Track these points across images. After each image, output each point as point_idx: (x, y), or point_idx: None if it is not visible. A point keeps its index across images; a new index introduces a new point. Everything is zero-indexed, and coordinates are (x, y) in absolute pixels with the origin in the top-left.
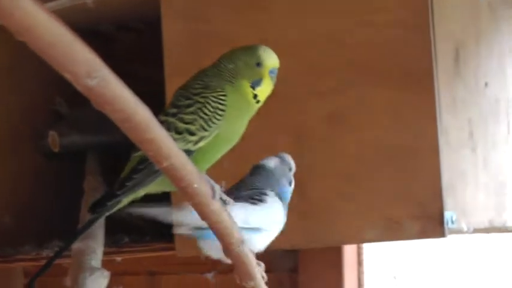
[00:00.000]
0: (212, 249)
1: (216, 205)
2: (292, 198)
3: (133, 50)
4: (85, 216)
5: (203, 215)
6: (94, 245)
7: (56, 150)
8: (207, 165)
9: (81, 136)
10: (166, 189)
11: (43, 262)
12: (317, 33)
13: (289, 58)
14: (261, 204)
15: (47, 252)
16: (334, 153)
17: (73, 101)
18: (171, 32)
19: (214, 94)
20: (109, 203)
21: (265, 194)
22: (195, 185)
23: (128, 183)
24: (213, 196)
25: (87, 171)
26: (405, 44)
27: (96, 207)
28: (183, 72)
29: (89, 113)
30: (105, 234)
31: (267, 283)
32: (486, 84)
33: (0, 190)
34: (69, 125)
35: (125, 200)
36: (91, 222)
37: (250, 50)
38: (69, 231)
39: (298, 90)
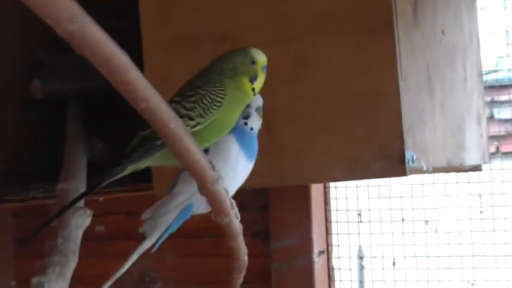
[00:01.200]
0: (200, 208)
1: (191, 145)
2: (262, 139)
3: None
4: (68, 160)
5: (179, 155)
6: (77, 185)
7: (40, 97)
8: (203, 145)
9: (63, 83)
10: (166, 163)
11: (29, 203)
12: None
13: (256, 8)
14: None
15: (33, 194)
16: (298, 98)
17: (55, 50)
18: None
19: (214, 88)
20: (115, 170)
21: None
22: (172, 126)
23: (133, 154)
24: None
25: (69, 117)
26: None
27: (105, 172)
28: (158, 24)
29: (70, 61)
30: (87, 176)
31: (240, 221)
32: (443, 32)
33: None
34: (51, 73)
35: (129, 168)
36: (98, 184)
37: (244, 51)
38: (53, 173)
39: (264, 37)
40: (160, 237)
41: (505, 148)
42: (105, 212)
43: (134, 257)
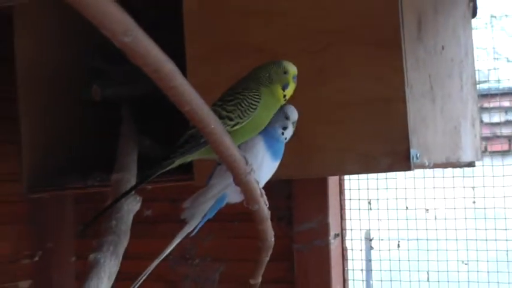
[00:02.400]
0: (233, 198)
1: (228, 143)
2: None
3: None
4: (121, 154)
5: (218, 150)
6: (129, 177)
7: (98, 99)
8: (239, 141)
9: (118, 88)
10: (208, 157)
11: (87, 190)
12: (307, 2)
13: (287, 24)
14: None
15: (91, 182)
16: (320, 101)
17: (111, 59)
18: (191, 2)
19: (251, 94)
20: (164, 163)
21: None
22: (212, 126)
23: (180, 150)
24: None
25: (123, 117)
26: (379, 13)
27: (156, 165)
28: (199, 35)
29: (124, 68)
30: (138, 169)
31: (267, 207)
32: (443, 47)
33: (55, 134)
34: (107, 78)
35: (177, 162)
36: (151, 175)
37: (278, 63)
38: (108, 165)
39: (293, 49)
40: (199, 222)
41: (493, 148)
42: (152, 198)
43: (177, 240)
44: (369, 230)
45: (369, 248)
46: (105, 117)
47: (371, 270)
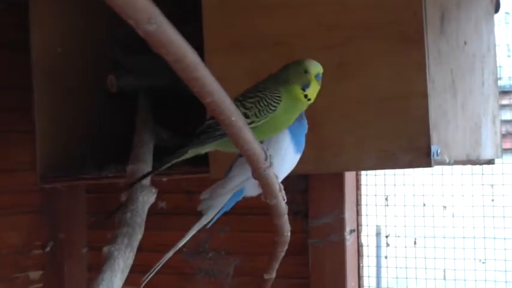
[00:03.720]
0: (251, 191)
1: (248, 136)
2: (307, 132)
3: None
4: (137, 145)
5: (237, 143)
6: (144, 167)
7: (114, 90)
8: (260, 138)
9: (134, 79)
10: (225, 149)
11: (101, 181)
12: None
13: (305, 18)
14: None
15: (106, 173)
16: (340, 97)
17: (129, 51)
18: None
19: (271, 94)
20: (179, 152)
21: None
22: (233, 118)
23: (195, 140)
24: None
25: (139, 108)
26: (402, 7)
27: (170, 154)
28: (218, 28)
29: (141, 60)
30: (153, 160)
31: (286, 202)
32: (465, 42)
33: (70, 124)
34: (125, 70)
35: (191, 152)
36: (164, 163)
37: (299, 62)
38: (124, 156)
39: (312, 44)
40: (215, 215)
41: (505, 145)
42: (167, 190)
43: (192, 232)
44: (379, 226)
45: (380, 245)
46: (121, 108)
47: (381, 267)
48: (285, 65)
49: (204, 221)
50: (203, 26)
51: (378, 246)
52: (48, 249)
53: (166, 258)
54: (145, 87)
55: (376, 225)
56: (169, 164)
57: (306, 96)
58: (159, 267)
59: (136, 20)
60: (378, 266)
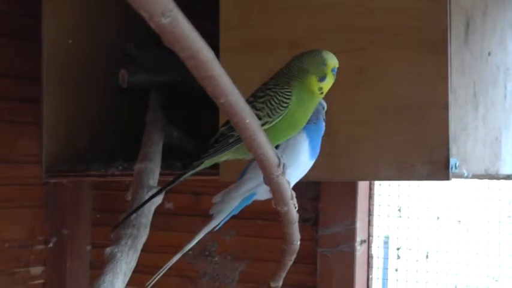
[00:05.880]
0: (261, 195)
1: (262, 140)
2: (322, 140)
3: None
4: (146, 143)
5: (251, 147)
6: (152, 167)
7: (125, 86)
8: (276, 141)
9: (146, 75)
10: (240, 157)
11: (108, 178)
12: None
13: (324, 20)
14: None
15: (112, 170)
16: (357, 103)
17: (141, 46)
18: None
19: (282, 90)
20: (195, 163)
21: None
22: (247, 120)
23: (210, 150)
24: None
25: (150, 105)
26: (426, 14)
27: (186, 166)
28: (235, 27)
29: (153, 56)
30: (162, 159)
31: (297, 210)
32: (489, 53)
33: (79, 119)
34: (136, 66)
35: (207, 162)
36: (180, 176)
37: (317, 53)
38: (132, 154)
39: (331, 47)
40: (224, 218)
41: None
42: (174, 191)
43: (201, 235)
44: (387, 236)
45: (386, 257)
46: (131, 104)
47: (387, 279)
48: (299, 55)
49: (213, 224)
50: (220, 24)
51: (385, 258)
52: (51, 244)
53: (173, 261)
54: (157, 84)
55: (384, 236)
56: (186, 176)
57: (320, 89)
58: (165, 270)
59: (150, 11)
60: (384, 279)
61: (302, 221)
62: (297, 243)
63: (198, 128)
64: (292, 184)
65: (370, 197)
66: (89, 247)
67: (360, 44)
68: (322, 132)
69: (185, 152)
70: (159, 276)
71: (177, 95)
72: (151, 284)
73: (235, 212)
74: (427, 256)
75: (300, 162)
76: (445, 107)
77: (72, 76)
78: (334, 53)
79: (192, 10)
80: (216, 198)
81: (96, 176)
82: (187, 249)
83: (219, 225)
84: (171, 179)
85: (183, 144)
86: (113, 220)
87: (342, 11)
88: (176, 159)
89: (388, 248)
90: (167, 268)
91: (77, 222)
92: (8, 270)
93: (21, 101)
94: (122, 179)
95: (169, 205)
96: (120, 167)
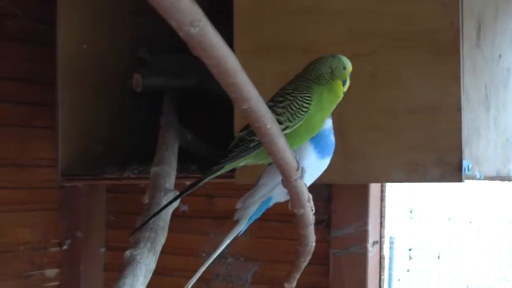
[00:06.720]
0: (279, 198)
1: (282, 144)
2: (336, 143)
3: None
4: (161, 147)
5: (271, 152)
6: (169, 170)
7: (139, 90)
8: (295, 144)
9: (160, 79)
10: (259, 162)
11: (123, 181)
12: (360, 5)
13: (336, 24)
14: None
15: (127, 174)
16: (369, 106)
17: (155, 50)
18: None
19: (301, 95)
20: (215, 168)
21: None
22: (268, 126)
23: (230, 155)
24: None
25: (164, 109)
26: (439, 16)
27: (206, 171)
28: (248, 30)
29: (167, 60)
30: (178, 163)
31: (314, 212)
32: (500, 56)
33: (94, 123)
34: (150, 70)
35: (227, 167)
36: (200, 181)
37: (338, 57)
38: (147, 157)
39: (343, 51)
40: (247, 223)
41: None
42: (189, 193)
43: (228, 240)
44: (393, 237)
45: (392, 257)
46: (145, 108)
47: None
48: (320, 59)
49: (238, 229)
50: (234, 27)
51: (391, 259)
52: (65, 247)
53: (205, 267)
54: (170, 88)
55: (390, 236)
56: (206, 181)
57: (344, 92)
58: (197, 276)
59: (179, 21)
60: (390, 279)
61: (314, 223)
62: (312, 244)
63: (211, 132)
64: (308, 184)
65: (382, 198)
66: (102, 249)
67: (371, 48)
68: (330, 128)
69: (199, 155)
70: (193, 282)
71: (190, 99)
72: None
73: (257, 216)
74: (438, 257)
75: (308, 164)
76: (458, 109)
77: (86, 80)
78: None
79: (209, 13)
80: (238, 205)
81: (112, 179)
82: (216, 255)
83: (243, 230)
84: (187, 182)
85: (197, 148)
86: (127, 223)
87: (354, 15)
88: (191, 162)
89: (393, 248)
90: (199, 275)
91: (91, 225)
92: (22, 272)
93: (33, 104)
94: (137, 182)
95: (184, 208)
96: (136, 171)
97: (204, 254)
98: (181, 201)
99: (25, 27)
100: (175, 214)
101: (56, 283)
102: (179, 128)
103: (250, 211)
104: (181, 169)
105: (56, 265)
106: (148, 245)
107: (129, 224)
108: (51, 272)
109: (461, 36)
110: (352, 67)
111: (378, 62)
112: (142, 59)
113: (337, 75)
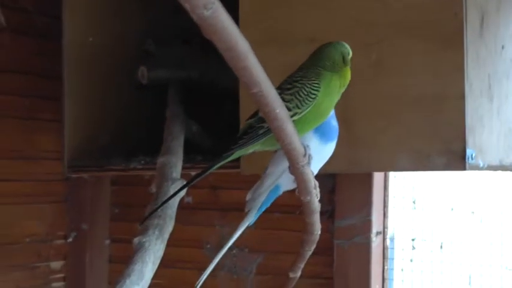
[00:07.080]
0: (286, 186)
1: (291, 130)
2: (340, 131)
3: None
4: (168, 137)
5: (279, 137)
6: (175, 160)
7: (144, 82)
8: (303, 131)
9: (166, 71)
10: (267, 148)
11: (129, 173)
12: None
13: (342, 14)
14: None
15: (134, 165)
16: (374, 95)
17: (161, 42)
18: None
19: (309, 82)
20: (225, 155)
21: None
22: (277, 110)
23: (239, 141)
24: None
25: (169, 101)
26: (443, 7)
27: (215, 156)
28: (254, 21)
29: (173, 52)
30: (183, 153)
31: (319, 200)
32: (503, 47)
33: (100, 115)
34: (156, 62)
35: (237, 153)
36: (210, 167)
37: (343, 45)
38: (153, 148)
39: (349, 41)
40: (257, 213)
41: None
42: (193, 185)
43: (239, 232)
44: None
45: (392, 247)
46: (150, 99)
47: (392, 269)
48: (329, 45)
49: (248, 220)
50: (239, 17)
51: (391, 248)
52: (70, 239)
53: (216, 261)
54: (176, 80)
55: (393, 227)
56: (216, 167)
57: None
58: (209, 271)
59: (192, 3)
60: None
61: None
62: (318, 233)
63: (216, 124)
64: (315, 173)
65: (385, 189)
66: (108, 241)
67: (377, 37)
68: (332, 114)
69: (204, 147)
70: (205, 276)
71: (195, 91)
72: (200, 284)
73: (267, 205)
74: (441, 247)
75: (311, 150)
76: (461, 98)
77: (92, 73)
78: (352, 46)
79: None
80: (247, 196)
81: (118, 170)
82: (227, 247)
83: (253, 221)
84: (193, 172)
85: (202, 140)
86: (132, 215)
87: (360, 5)
88: (196, 153)
89: (394, 239)
90: (211, 269)
91: (97, 217)
92: (28, 264)
93: (39, 97)
94: (143, 173)
95: (188, 199)
96: (142, 162)
97: (208, 246)
98: (185, 193)
99: (31, 21)
100: (179, 206)
101: (62, 275)
102: (185, 119)
103: (259, 201)
104: (187, 159)
105: (61, 257)
106: (157, 232)
107: (133, 216)
108: (56, 264)
109: (465, 27)
110: (359, 56)
111: (383, 51)
112: (148, 51)
113: (347, 62)
